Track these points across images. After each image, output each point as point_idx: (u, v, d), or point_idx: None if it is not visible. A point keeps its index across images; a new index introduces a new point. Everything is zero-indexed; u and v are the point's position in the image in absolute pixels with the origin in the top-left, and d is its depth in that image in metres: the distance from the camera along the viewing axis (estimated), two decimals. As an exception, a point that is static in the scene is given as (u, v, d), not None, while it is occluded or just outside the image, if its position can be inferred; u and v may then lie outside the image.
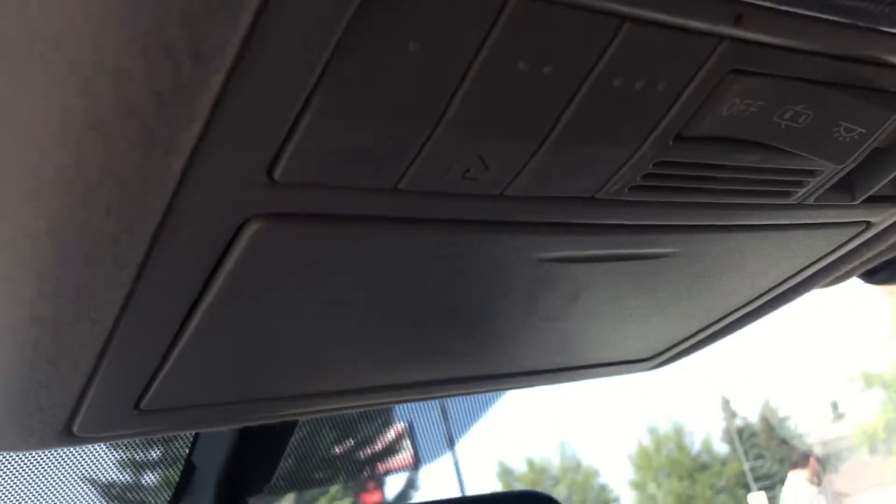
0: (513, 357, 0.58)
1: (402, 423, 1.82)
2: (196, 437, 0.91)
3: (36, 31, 0.24)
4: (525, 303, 0.48)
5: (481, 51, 0.28)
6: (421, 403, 1.50)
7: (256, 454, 0.84)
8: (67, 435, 0.47)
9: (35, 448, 0.49)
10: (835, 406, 32.87)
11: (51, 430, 0.46)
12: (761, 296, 0.59)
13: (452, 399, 1.48)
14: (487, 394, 1.19)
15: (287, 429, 0.85)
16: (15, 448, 0.48)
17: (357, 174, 0.32)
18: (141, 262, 0.33)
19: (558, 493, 34.11)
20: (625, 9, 0.29)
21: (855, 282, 0.76)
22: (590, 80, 0.31)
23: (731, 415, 32.16)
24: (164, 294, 0.36)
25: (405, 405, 1.53)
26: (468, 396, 1.21)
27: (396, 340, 0.49)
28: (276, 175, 0.30)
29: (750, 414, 34.05)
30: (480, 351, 0.55)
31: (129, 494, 1.10)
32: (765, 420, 32.54)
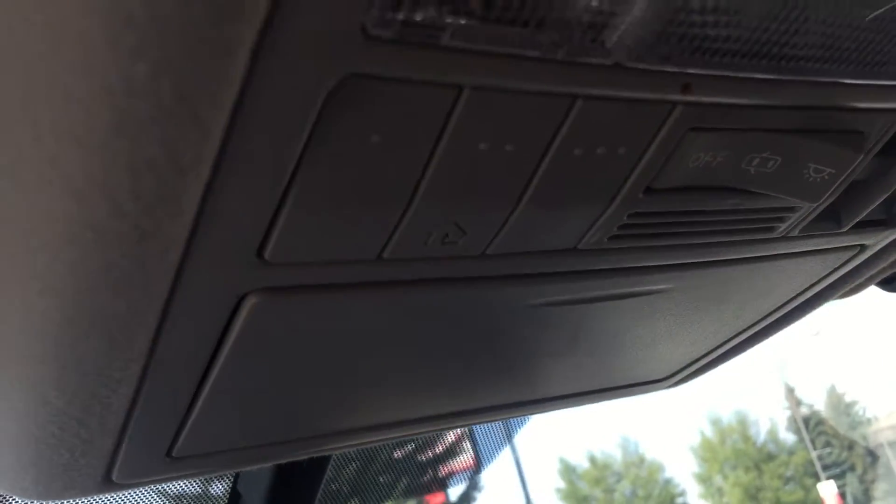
0: (530, 387, 0.60)
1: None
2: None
3: (34, 154, 0.27)
4: (526, 343, 0.51)
5: (441, 139, 0.31)
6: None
7: (298, 478, 0.87)
8: (107, 483, 0.51)
9: (78, 497, 0.52)
10: (904, 390, 31.94)
11: (91, 480, 0.49)
12: (769, 315, 0.60)
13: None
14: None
15: (325, 456, 0.88)
16: (60, 498, 0.52)
17: (341, 250, 0.35)
18: (153, 338, 0.36)
19: (622, 488, 33.79)
20: (575, 89, 0.31)
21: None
22: (550, 153, 0.33)
23: (797, 403, 31.51)
24: (178, 363, 0.39)
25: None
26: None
27: (408, 383, 0.52)
28: (266, 256, 0.33)
29: (816, 401, 33.33)
30: (496, 384, 0.58)
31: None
32: (831, 407, 31.81)
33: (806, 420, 31.22)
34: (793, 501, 30.23)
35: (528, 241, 0.39)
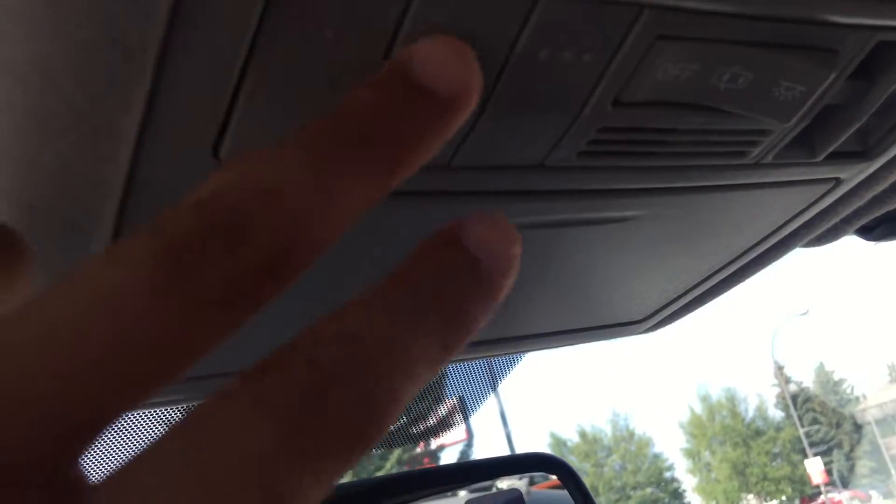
0: (497, 323, 0.60)
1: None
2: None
3: None
4: None
5: (399, 31, 0.30)
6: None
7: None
8: None
9: None
10: (892, 368, 32.28)
11: None
12: (743, 255, 0.60)
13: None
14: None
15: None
16: None
17: None
18: (109, 243, 0.36)
19: (611, 463, 34.12)
20: None
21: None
22: (515, 54, 0.33)
23: (785, 380, 31.79)
24: None
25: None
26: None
27: None
28: (223, 155, 0.33)
29: (805, 379, 33.64)
30: None
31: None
32: (819, 384, 32.10)
33: (794, 397, 31.51)
34: (780, 477, 30.60)
35: (494, 154, 0.38)
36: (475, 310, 0.22)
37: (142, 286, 0.16)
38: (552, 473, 0.93)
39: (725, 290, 0.67)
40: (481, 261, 0.22)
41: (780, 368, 31.39)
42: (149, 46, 0.27)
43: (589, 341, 0.70)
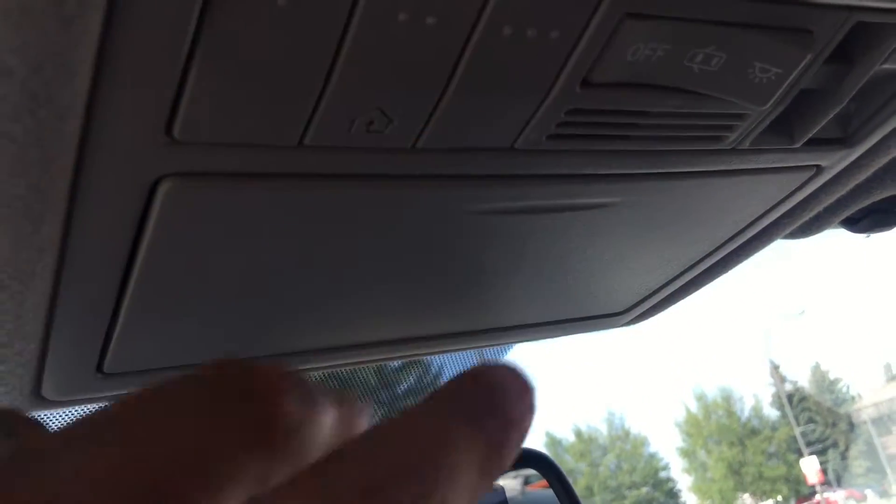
0: (477, 313, 0.59)
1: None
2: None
3: None
4: (470, 259, 0.49)
5: (357, 4, 0.29)
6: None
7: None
8: (37, 398, 0.49)
9: None
10: (887, 368, 32.33)
11: (19, 393, 0.48)
12: (724, 245, 0.59)
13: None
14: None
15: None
16: None
17: (257, 131, 0.33)
18: (63, 225, 0.35)
19: (607, 462, 34.12)
20: None
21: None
22: (478, 30, 0.32)
23: (781, 379, 31.81)
24: (93, 256, 0.38)
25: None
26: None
27: (341, 300, 0.50)
28: (176, 133, 0.32)
29: (800, 378, 33.69)
30: (439, 309, 0.56)
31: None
32: (815, 384, 32.14)
33: (790, 396, 31.54)
34: (775, 477, 30.62)
35: (462, 136, 0.37)
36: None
37: None
38: (533, 468, 0.92)
39: (707, 282, 0.66)
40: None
41: (775, 368, 31.41)
42: (90, 12, 0.25)
43: (570, 334, 0.69)
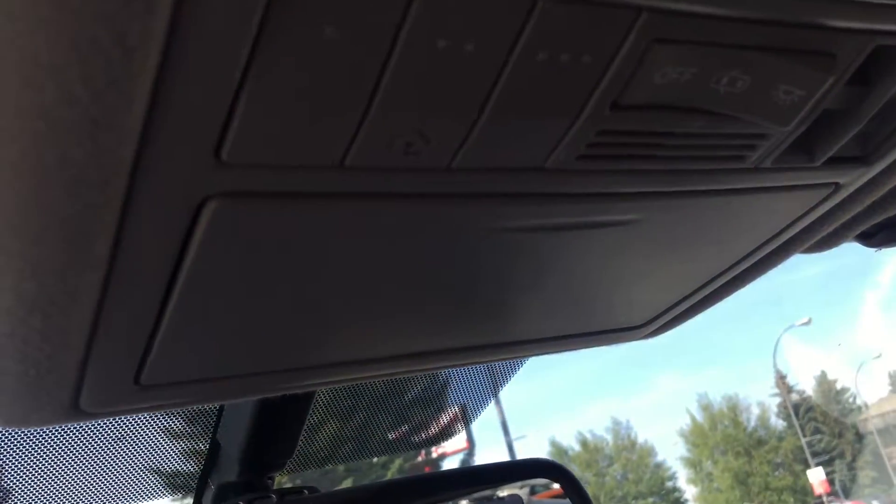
0: (498, 327, 0.60)
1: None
2: (219, 415, 0.95)
3: None
4: (497, 273, 0.50)
5: (399, 33, 0.30)
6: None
7: (275, 431, 0.87)
8: (75, 410, 0.50)
9: (45, 424, 0.52)
10: (894, 377, 32.20)
11: (58, 405, 0.49)
12: (743, 260, 0.60)
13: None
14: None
15: (302, 405, 0.88)
16: (26, 424, 0.52)
17: (302, 153, 0.34)
18: (113, 242, 0.36)
19: (613, 472, 34.01)
20: None
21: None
22: (514, 56, 0.33)
23: (787, 389, 31.69)
24: (139, 273, 0.39)
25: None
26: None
27: (375, 313, 0.51)
28: (224, 156, 0.33)
29: (806, 387, 33.56)
30: (467, 322, 0.57)
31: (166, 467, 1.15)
32: (822, 394, 32.00)
33: (796, 406, 31.40)
34: (782, 487, 30.48)
35: (495, 156, 0.39)
36: None
37: None
38: (551, 479, 0.93)
39: (725, 296, 0.67)
40: None
41: (782, 377, 31.32)
42: (151, 44, 0.27)
43: (589, 346, 0.70)
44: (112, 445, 1.04)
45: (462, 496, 1.04)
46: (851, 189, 0.53)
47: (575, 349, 0.70)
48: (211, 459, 0.95)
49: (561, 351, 0.70)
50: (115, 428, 1.02)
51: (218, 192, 0.35)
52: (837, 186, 0.52)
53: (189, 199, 0.35)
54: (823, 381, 32.76)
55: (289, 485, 0.93)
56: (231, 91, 0.30)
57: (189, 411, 1.02)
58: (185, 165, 0.33)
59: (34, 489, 1.01)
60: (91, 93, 0.28)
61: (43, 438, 0.97)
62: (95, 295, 0.39)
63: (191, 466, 1.09)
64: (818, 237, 0.60)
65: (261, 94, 0.31)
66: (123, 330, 0.43)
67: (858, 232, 0.69)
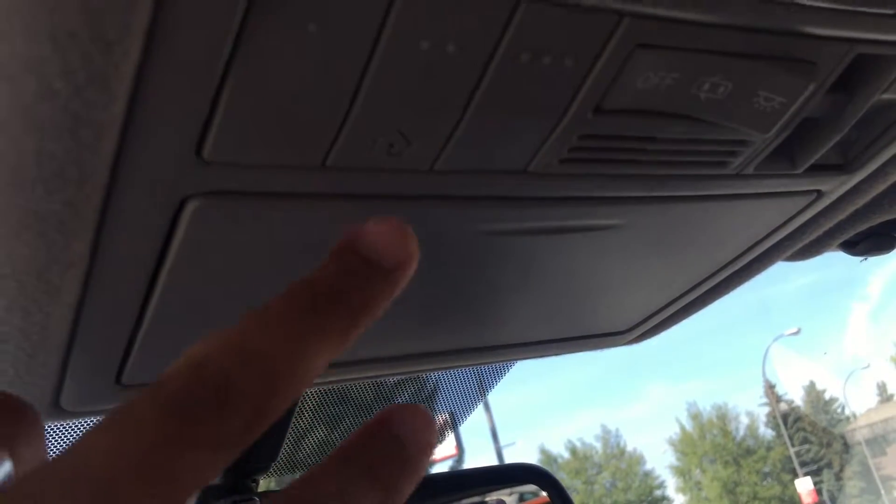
0: (481, 331, 0.60)
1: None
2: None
3: None
4: (480, 277, 0.50)
5: (381, 33, 0.30)
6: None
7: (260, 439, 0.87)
8: (56, 409, 0.50)
9: None
10: (882, 388, 32.33)
11: (38, 404, 0.49)
12: (726, 266, 0.60)
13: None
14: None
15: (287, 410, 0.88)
16: None
17: (283, 152, 0.34)
18: (92, 240, 0.36)
19: (602, 480, 34.02)
20: None
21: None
22: (496, 58, 0.33)
23: (776, 399, 31.77)
24: (120, 271, 0.39)
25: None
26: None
27: None
28: (206, 155, 0.33)
29: (795, 397, 33.67)
30: (445, 326, 0.57)
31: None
32: (810, 404, 32.10)
33: (785, 416, 31.48)
34: (770, 497, 30.55)
35: (478, 158, 0.39)
36: (372, 302, 0.26)
37: (152, 434, 0.20)
38: (535, 484, 0.93)
39: (709, 302, 0.67)
40: (377, 259, 0.27)
41: (771, 387, 31.39)
42: (131, 38, 0.27)
43: (573, 351, 0.70)
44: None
45: (450, 502, 1.04)
46: (833, 197, 0.54)
47: (558, 354, 0.70)
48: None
49: (545, 355, 0.70)
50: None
51: (199, 191, 0.35)
52: (819, 194, 0.52)
53: (170, 197, 0.35)
54: (812, 391, 32.86)
55: (277, 489, 0.92)
56: (212, 89, 0.30)
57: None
58: (167, 163, 0.33)
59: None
60: (71, 88, 0.28)
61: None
62: (76, 293, 0.39)
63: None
64: (801, 244, 0.60)
65: (242, 93, 0.31)
66: (104, 329, 0.43)
67: (842, 240, 0.70)
